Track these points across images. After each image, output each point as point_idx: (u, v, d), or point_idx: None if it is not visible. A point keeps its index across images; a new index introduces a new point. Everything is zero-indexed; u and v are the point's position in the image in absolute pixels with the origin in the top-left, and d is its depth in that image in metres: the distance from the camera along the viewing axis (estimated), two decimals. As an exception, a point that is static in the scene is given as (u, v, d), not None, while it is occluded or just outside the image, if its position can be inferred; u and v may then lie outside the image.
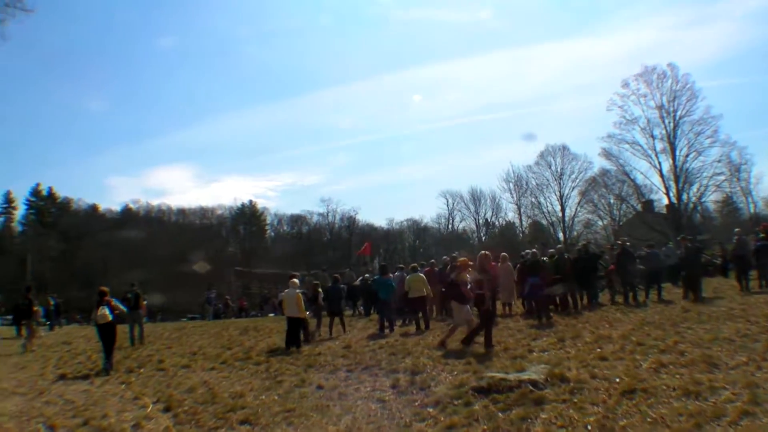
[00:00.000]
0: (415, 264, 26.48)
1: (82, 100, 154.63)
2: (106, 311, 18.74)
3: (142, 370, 19.06)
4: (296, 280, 23.00)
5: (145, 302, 28.07)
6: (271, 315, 46.44)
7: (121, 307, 20.66)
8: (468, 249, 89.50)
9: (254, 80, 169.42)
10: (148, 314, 40.77)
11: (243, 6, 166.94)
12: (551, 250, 27.90)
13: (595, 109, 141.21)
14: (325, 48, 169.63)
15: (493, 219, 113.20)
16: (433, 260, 29.46)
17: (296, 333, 21.36)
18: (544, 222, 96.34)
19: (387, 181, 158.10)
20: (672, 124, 70.26)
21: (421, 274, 24.36)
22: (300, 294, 22.06)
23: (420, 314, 23.99)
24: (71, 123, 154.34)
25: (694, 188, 70.06)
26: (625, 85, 72.76)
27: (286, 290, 22.68)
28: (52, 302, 41.08)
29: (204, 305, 51.23)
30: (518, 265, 25.93)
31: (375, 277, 27.14)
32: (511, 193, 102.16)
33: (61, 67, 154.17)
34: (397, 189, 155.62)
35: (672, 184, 70.69)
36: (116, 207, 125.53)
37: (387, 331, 23.37)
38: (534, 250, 26.00)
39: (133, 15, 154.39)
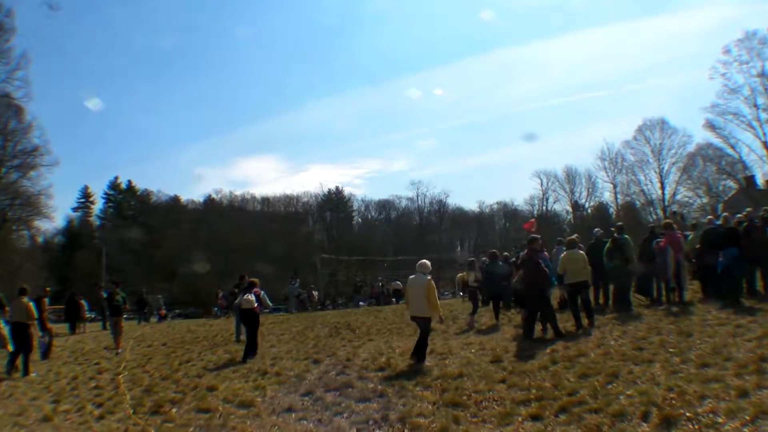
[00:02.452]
0: (573, 237, 18.90)
1: (167, 93, 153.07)
2: (253, 298, 18.50)
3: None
4: (427, 262, 15.40)
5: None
6: (362, 304, 42.52)
7: (267, 301, 20.74)
8: (559, 230, 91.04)
9: (335, 68, 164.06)
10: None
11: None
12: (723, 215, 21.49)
13: (686, 85, 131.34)
14: (409, 32, 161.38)
15: (587, 200, 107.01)
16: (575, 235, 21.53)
17: (423, 340, 14.64)
18: (640, 201, 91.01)
19: (476, 165, 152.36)
20: None
21: (582, 252, 17.90)
22: (432, 282, 14.80)
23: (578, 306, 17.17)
24: (155, 117, 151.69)
25: None
26: (727, 51, 67.71)
27: (412, 276, 15.37)
28: (104, 295, 34.96)
29: (289, 297, 45.46)
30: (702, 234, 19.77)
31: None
32: (606, 171, 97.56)
33: (142, 62, 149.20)
34: (487, 172, 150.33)
35: None
36: (199, 198, 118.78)
37: (544, 332, 16.68)
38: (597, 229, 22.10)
39: (219, 5, 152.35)
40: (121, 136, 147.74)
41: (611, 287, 19.93)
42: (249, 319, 18.58)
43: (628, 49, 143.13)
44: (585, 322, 16.65)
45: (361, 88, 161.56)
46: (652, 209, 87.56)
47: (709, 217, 25.26)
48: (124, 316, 25.58)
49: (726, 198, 73.17)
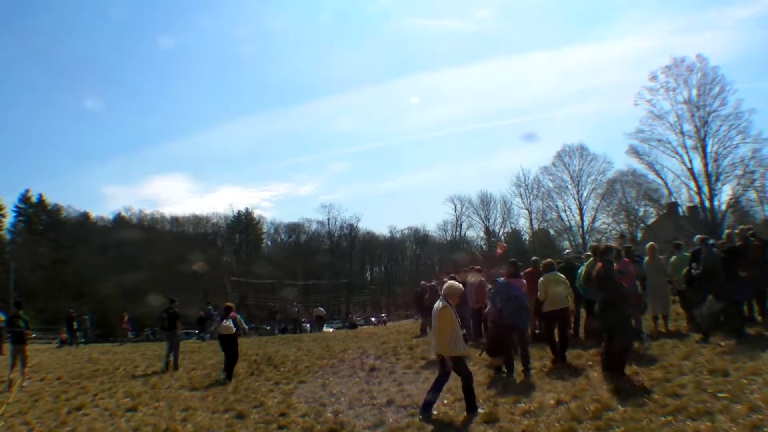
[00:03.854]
0: (551, 260, 16.17)
1: (75, 109, 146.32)
2: (230, 323, 18.43)
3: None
4: (454, 284, 11.64)
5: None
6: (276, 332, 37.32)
7: (243, 324, 20.77)
8: (472, 257, 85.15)
9: (249, 89, 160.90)
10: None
11: (238, 11, 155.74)
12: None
13: (604, 114, 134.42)
14: (321, 56, 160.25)
15: (501, 226, 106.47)
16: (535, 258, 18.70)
17: (465, 386, 11.06)
18: (557, 227, 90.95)
19: (386, 190, 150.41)
20: (701, 120, 64.44)
21: (560, 274, 15.04)
22: (447, 311, 11.09)
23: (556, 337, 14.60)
24: (64, 131, 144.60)
25: (727, 188, 64.70)
26: (653, 78, 67.01)
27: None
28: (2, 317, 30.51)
29: (205, 322, 41.11)
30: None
31: (498, 281, 15.48)
32: (522, 198, 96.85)
33: (56, 75, 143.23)
34: (397, 197, 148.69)
35: (704, 183, 65.16)
36: (108, 215, 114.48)
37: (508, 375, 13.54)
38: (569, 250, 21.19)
39: (128, 19, 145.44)
40: (32, 149, 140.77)
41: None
42: (228, 345, 18.40)
43: (545, 77, 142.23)
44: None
45: (269, 111, 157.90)
46: (569, 236, 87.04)
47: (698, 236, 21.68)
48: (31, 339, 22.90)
49: (647, 224, 73.19)
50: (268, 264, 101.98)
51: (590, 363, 13.21)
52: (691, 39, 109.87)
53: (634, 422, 8.84)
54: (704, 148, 64.16)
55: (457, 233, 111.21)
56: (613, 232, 78.95)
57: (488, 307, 14.75)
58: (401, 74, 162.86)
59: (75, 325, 37.78)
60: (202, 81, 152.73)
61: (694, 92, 64.20)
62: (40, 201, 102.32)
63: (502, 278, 14.89)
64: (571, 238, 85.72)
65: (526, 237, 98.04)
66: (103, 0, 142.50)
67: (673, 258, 17.76)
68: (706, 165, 64.24)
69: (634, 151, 68.81)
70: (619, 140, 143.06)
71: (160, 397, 15.00)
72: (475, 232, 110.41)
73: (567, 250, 20.35)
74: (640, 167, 70.63)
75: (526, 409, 10.37)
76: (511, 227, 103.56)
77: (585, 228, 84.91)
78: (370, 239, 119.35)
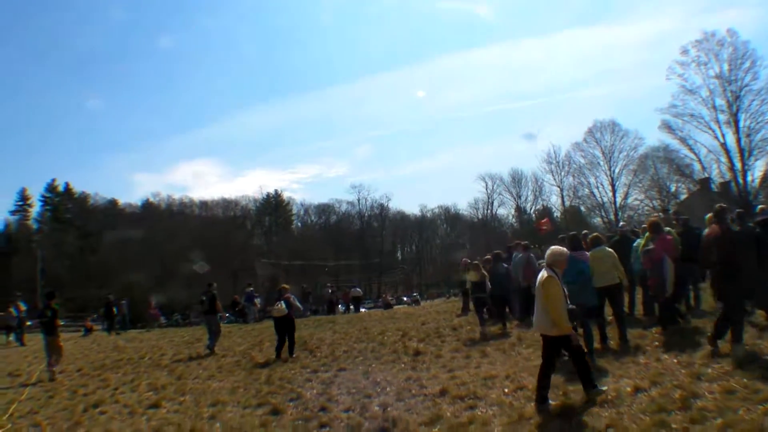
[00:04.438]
0: (598, 234, 14.56)
1: (103, 98, 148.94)
2: (283, 305, 17.96)
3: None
4: (558, 249, 9.91)
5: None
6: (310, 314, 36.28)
7: (298, 304, 19.66)
8: (502, 235, 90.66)
9: (275, 74, 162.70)
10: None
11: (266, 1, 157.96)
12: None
13: (626, 94, 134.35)
14: (345, 41, 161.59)
15: (533, 203, 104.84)
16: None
17: (579, 363, 9.41)
18: (590, 204, 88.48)
19: (414, 171, 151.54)
20: (733, 95, 62.59)
21: (608, 249, 13.51)
22: (552, 280, 9.31)
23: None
24: (94, 122, 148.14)
25: (760, 163, 62.94)
26: (684, 52, 65.11)
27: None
28: (23, 307, 32.13)
29: (245, 306, 38.67)
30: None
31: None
32: (553, 175, 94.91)
33: (83, 66, 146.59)
34: (426, 177, 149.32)
35: (737, 158, 63.75)
36: (137, 202, 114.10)
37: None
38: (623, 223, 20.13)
39: (152, 11, 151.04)
40: (60, 139, 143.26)
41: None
42: (284, 326, 18.05)
43: (566, 59, 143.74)
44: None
45: (295, 95, 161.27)
46: (602, 212, 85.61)
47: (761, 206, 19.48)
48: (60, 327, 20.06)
49: (680, 200, 71.02)
50: (299, 245, 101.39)
51: (656, 343, 11.86)
52: (713, 18, 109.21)
53: (730, 413, 7.48)
54: (737, 123, 62.71)
55: (489, 211, 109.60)
56: (646, 208, 78.16)
57: None
58: (420, 59, 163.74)
59: (114, 311, 36.05)
60: (227, 69, 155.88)
61: (726, 66, 62.72)
62: (67, 190, 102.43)
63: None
64: (604, 215, 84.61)
65: (557, 214, 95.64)
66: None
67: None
68: (738, 140, 62.89)
69: (667, 126, 67.26)
70: (646, 118, 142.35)
71: (186, 390, 13.51)
72: (506, 210, 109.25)
73: (621, 223, 18.86)
74: (673, 143, 69.30)
75: (602, 398, 8.83)
76: (543, 204, 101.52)
77: (617, 204, 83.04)
78: (401, 219, 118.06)
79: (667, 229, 14.30)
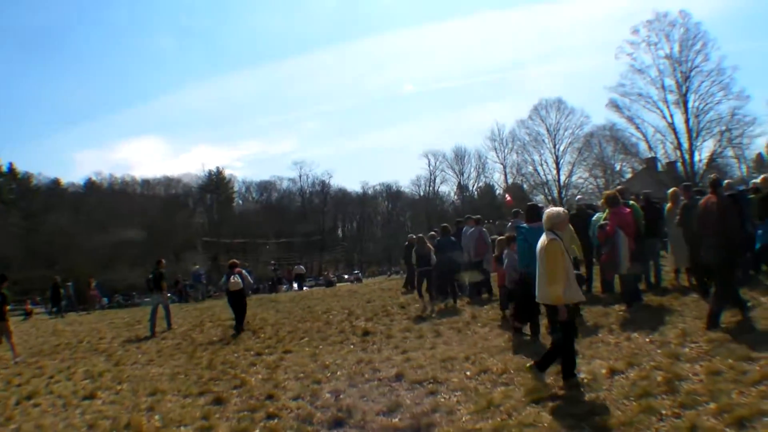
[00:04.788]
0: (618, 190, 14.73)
1: (41, 75, 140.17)
2: (238, 279, 18.13)
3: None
4: (555, 210, 9.19)
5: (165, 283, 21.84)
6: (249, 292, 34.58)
7: (250, 279, 20.24)
8: (443, 212, 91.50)
9: (219, 48, 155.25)
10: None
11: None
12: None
13: (578, 72, 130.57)
14: (291, 15, 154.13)
15: (476, 180, 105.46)
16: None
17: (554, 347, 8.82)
18: (534, 181, 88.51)
19: (359, 147, 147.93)
20: (683, 76, 64.14)
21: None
22: (555, 244, 8.49)
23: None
24: (31, 98, 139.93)
25: (708, 143, 64.56)
26: (635, 32, 66.47)
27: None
28: None
29: (193, 285, 38.90)
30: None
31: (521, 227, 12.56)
32: (496, 152, 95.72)
33: (23, 41, 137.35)
34: (370, 154, 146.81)
35: (684, 138, 65.22)
36: (79, 181, 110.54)
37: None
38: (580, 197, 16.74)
39: None
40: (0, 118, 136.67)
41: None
42: (237, 300, 18.22)
43: (519, 35, 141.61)
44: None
45: (242, 70, 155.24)
46: (546, 190, 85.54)
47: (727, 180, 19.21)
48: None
49: (625, 179, 70.83)
50: (240, 223, 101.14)
51: (621, 322, 11.36)
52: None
53: (723, 396, 6.87)
54: (686, 103, 63.84)
55: (431, 188, 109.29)
56: (590, 186, 78.91)
57: (506, 261, 12.77)
58: (372, 32, 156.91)
59: (61, 293, 34.63)
60: (170, 44, 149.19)
61: (677, 47, 63.81)
62: (11, 170, 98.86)
63: (524, 224, 12.19)
64: (547, 192, 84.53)
65: (499, 191, 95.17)
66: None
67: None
68: (687, 120, 63.99)
69: (615, 105, 68.10)
70: (595, 97, 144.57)
71: (123, 378, 12.68)
72: (448, 187, 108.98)
73: (578, 197, 18.71)
74: (620, 122, 69.98)
75: (576, 381, 8.20)
76: (485, 182, 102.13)
77: (561, 182, 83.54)
78: (343, 196, 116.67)
79: (631, 202, 13.83)
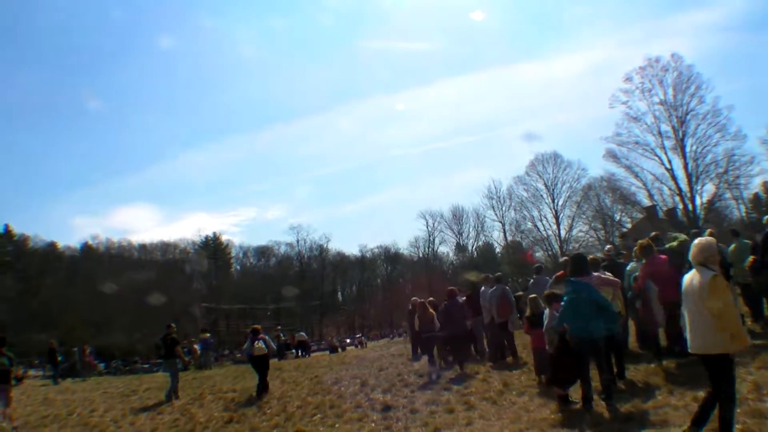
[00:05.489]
0: (596, 256, 14.24)
1: (39, 140, 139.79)
2: (262, 344, 18.16)
3: None
4: (706, 241, 7.74)
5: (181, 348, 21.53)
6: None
7: (272, 344, 20.02)
8: (443, 274, 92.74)
9: (213, 115, 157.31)
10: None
11: (199, 38, 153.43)
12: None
13: (574, 123, 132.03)
14: (282, 82, 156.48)
15: (475, 239, 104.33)
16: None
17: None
18: (534, 237, 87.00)
19: (354, 210, 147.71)
20: (679, 120, 63.71)
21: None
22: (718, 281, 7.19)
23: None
24: (29, 163, 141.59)
25: (709, 187, 63.67)
26: (628, 79, 65.69)
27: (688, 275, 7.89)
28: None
29: (202, 354, 36.35)
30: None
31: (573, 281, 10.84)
32: (494, 210, 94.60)
33: (20, 105, 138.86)
34: (366, 216, 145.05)
35: (684, 183, 64.33)
36: (75, 245, 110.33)
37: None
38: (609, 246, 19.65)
39: (93, 43, 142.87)
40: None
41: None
42: (260, 364, 18.10)
43: (502, 94, 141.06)
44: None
45: (232, 136, 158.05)
46: (546, 245, 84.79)
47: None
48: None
49: (625, 229, 69.13)
50: (239, 289, 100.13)
51: (673, 380, 10.30)
52: (646, 47, 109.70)
53: None
54: (683, 148, 63.17)
55: (430, 249, 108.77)
56: (591, 239, 78.32)
57: (546, 322, 11.32)
58: (361, 96, 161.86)
59: (59, 358, 33.13)
60: (163, 111, 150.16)
61: (671, 92, 63.21)
62: (7, 231, 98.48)
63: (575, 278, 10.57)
64: (548, 248, 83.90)
65: (498, 249, 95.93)
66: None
67: (732, 246, 14.96)
68: (686, 165, 63.21)
69: (612, 155, 67.43)
70: (588, 149, 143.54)
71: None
72: (447, 248, 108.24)
73: (607, 246, 17.69)
74: (617, 171, 69.16)
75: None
76: (484, 240, 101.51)
77: (562, 237, 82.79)
78: (341, 259, 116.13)
79: (677, 239, 12.96)
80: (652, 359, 11.80)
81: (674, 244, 12.85)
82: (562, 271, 13.99)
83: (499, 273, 20.13)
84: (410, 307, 22.16)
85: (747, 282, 14.27)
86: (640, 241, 12.61)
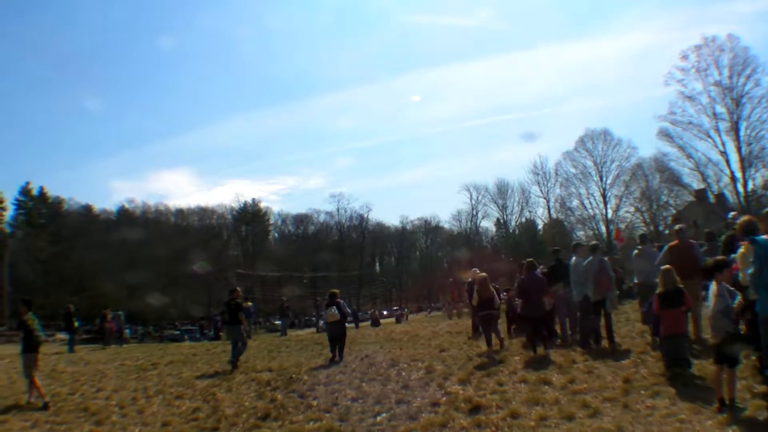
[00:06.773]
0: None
1: (80, 104, 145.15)
2: (335, 311, 17.37)
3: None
4: None
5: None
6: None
7: (347, 309, 18.90)
8: (481, 249, 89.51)
9: (255, 84, 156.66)
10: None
11: (242, 8, 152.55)
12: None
13: (615, 106, 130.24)
14: (323, 54, 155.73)
15: (520, 215, 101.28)
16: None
17: None
18: (580, 215, 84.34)
19: (393, 183, 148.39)
20: (734, 102, 61.00)
21: None
22: None
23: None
24: (69, 126, 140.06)
25: (763, 171, 61.44)
26: (684, 57, 63.41)
27: None
28: None
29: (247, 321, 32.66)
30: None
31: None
32: (539, 186, 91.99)
33: (62, 69, 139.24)
34: (406, 189, 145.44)
35: (737, 167, 61.84)
36: (112, 208, 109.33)
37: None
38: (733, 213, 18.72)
39: (133, 16, 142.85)
40: (36, 142, 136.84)
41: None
42: (336, 330, 17.35)
43: (547, 73, 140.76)
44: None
45: (273, 106, 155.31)
46: (592, 224, 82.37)
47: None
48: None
49: (671, 213, 69.29)
50: (276, 256, 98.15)
51: None
52: (695, 33, 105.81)
53: None
54: (737, 131, 60.56)
55: (472, 223, 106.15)
56: (637, 220, 76.05)
57: (714, 304, 8.37)
58: (403, 71, 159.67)
59: (75, 323, 30.31)
60: (206, 78, 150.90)
61: (726, 73, 60.72)
62: (41, 194, 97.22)
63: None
64: (594, 226, 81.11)
65: (540, 225, 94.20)
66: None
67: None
68: (739, 149, 60.74)
69: (666, 133, 64.85)
70: (634, 131, 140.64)
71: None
72: (489, 223, 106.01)
73: (732, 212, 14.97)
74: (670, 151, 66.44)
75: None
76: (528, 216, 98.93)
77: (608, 216, 79.58)
78: (381, 230, 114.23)
79: None
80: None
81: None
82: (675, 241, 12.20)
83: (595, 242, 17.53)
84: (469, 280, 20.05)
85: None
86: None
